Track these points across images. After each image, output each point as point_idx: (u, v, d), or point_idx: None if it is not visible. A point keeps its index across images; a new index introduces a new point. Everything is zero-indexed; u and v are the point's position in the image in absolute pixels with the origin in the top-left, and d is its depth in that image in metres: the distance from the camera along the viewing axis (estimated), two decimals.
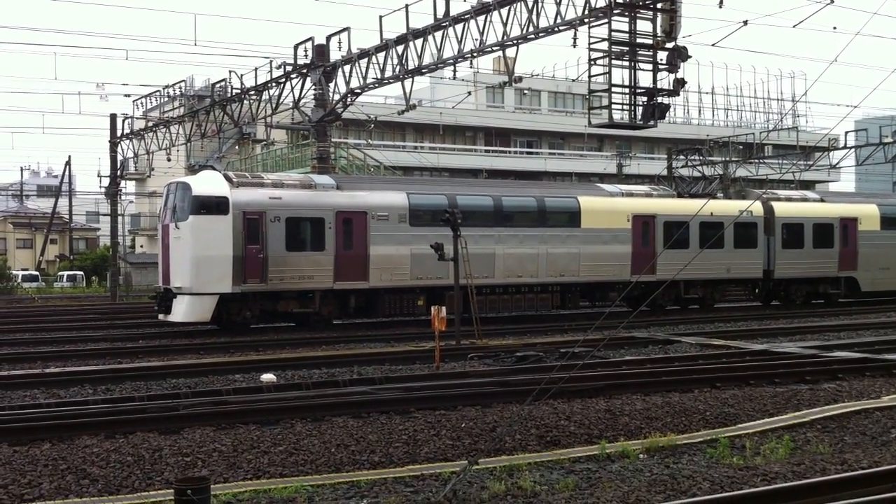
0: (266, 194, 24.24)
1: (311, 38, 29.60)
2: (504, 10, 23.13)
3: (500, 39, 23.49)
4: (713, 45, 24.28)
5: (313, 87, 29.89)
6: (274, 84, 31.46)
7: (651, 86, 19.72)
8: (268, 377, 15.50)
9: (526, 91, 65.28)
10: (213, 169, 30.15)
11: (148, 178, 59.91)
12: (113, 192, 44.63)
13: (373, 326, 25.85)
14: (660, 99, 19.88)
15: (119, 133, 43.45)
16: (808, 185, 61.89)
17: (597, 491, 8.64)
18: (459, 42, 24.50)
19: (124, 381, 15.94)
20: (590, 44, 19.92)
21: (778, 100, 75.01)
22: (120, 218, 49.99)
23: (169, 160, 39.89)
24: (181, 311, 23.59)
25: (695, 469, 9.51)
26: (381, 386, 14.25)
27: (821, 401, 13.44)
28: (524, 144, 66.02)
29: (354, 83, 28.54)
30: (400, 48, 26.43)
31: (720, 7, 20.61)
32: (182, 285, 23.58)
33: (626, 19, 19.77)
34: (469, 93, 34.67)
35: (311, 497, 8.63)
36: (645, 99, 19.80)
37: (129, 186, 69.56)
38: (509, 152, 64.12)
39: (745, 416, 12.41)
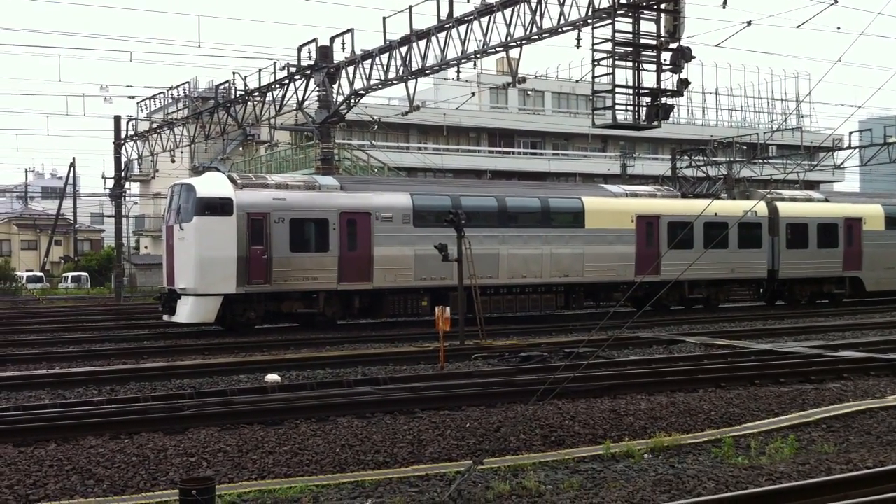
0: (270, 195, 24.27)
1: (314, 40, 29.65)
2: (507, 11, 23.16)
3: (503, 40, 23.51)
4: (717, 45, 24.31)
5: (317, 89, 29.92)
6: (278, 86, 31.51)
7: (655, 86, 19.72)
8: (272, 378, 15.55)
9: (529, 92, 65.23)
10: (217, 170, 30.18)
11: (152, 180, 59.95)
12: (117, 194, 44.70)
13: (377, 327, 25.87)
14: (663, 99, 19.89)
15: (123, 135, 43.53)
16: (812, 185, 61.82)
17: (602, 491, 8.64)
18: (463, 43, 24.53)
19: (129, 381, 15.97)
20: (593, 45, 19.92)
21: (782, 100, 74.95)
22: (124, 219, 50.03)
23: (173, 162, 39.96)
24: (186, 311, 23.63)
25: (700, 469, 9.50)
26: (385, 386, 14.24)
27: (826, 400, 13.41)
28: (528, 145, 66.01)
29: (358, 84, 28.58)
30: (403, 49, 26.45)
31: (724, 8, 20.59)
32: (186, 286, 23.61)
33: (630, 20, 19.78)
34: (473, 94, 34.71)
35: (316, 497, 8.63)
36: (649, 99, 19.80)
37: (133, 188, 69.56)
38: (513, 153, 64.13)
39: (750, 416, 12.39)
